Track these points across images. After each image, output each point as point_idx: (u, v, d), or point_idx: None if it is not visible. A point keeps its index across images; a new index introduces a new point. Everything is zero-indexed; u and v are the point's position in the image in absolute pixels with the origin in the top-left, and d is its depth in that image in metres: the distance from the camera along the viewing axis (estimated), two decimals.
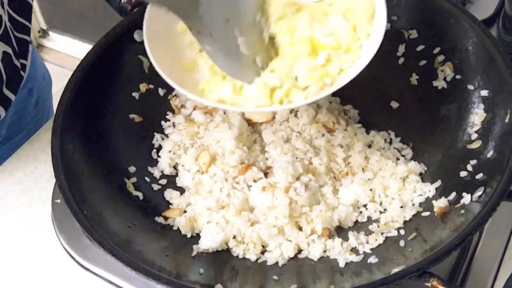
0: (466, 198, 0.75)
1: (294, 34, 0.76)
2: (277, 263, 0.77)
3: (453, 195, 0.78)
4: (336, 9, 0.77)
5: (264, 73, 0.75)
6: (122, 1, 0.91)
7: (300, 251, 0.79)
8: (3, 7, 0.98)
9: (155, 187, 0.87)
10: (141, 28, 0.78)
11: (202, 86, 0.78)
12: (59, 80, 1.23)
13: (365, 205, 0.83)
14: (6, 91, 1.02)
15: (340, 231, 0.81)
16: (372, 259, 0.74)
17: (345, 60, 0.75)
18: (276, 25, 0.77)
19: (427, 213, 0.79)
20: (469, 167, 0.78)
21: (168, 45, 0.80)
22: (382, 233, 0.78)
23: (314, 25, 0.76)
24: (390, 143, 0.90)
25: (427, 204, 0.80)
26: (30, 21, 1.06)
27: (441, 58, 0.87)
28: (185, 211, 0.84)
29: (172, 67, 0.77)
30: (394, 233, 0.78)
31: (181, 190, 0.87)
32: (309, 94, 0.74)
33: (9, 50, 1.00)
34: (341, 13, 0.76)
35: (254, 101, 0.75)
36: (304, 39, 0.76)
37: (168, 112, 0.93)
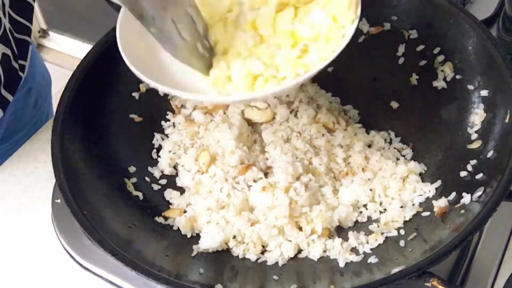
0: (466, 198, 0.75)
1: (277, 28, 0.75)
2: (277, 263, 0.77)
3: (453, 195, 0.78)
4: (318, 4, 0.75)
5: (248, 60, 0.75)
6: None
7: (300, 251, 0.79)
8: (3, 9, 0.97)
9: (155, 187, 0.87)
10: None
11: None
12: (59, 80, 1.23)
13: (365, 205, 0.82)
14: (4, 92, 1.01)
15: (340, 231, 0.81)
16: (372, 259, 0.74)
17: (326, 50, 0.72)
18: (258, 18, 0.76)
19: (427, 213, 0.79)
20: (469, 167, 0.78)
21: (144, 44, 0.78)
22: (382, 233, 0.78)
23: (295, 23, 0.76)
24: (390, 143, 0.89)
25: (427, 204, 0.80)
26: (31, 22, 1.05)
27: (441, 58, 0.87)
28: (185, 211, 0.84)
29: (150, 65, 0.75)
30: (394, 233, 0.78)
31: (181, 190, 0.87)
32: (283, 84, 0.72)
33: (8, 52, 0.99)
34: (320, 7, 0.74)
35: (239, 90, 0.74)
36: (286, 32, 0.75)
37: (168, 112, 0.93)
